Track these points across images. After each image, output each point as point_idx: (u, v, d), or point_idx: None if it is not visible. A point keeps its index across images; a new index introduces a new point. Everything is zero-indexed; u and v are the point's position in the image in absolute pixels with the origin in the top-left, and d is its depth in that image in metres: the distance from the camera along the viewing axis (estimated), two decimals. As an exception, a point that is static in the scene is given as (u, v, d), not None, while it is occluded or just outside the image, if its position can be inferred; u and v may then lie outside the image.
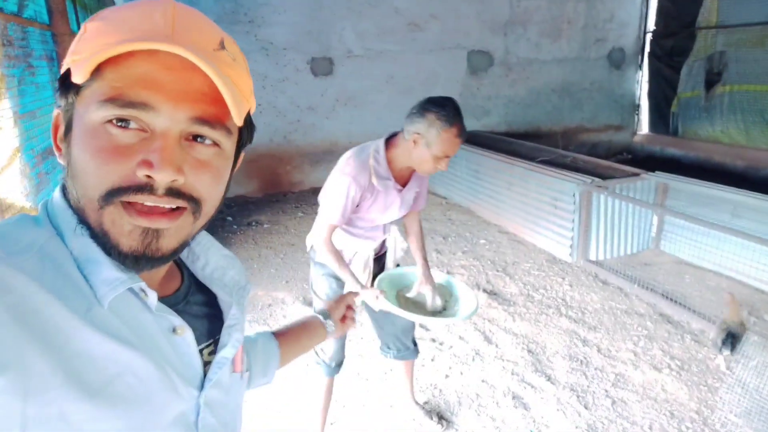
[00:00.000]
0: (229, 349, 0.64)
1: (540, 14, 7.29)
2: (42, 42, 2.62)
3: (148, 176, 0.50)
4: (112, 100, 0.49)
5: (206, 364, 0.63)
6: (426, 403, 2.72)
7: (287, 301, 3.84)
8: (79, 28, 3.35)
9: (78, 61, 0.50)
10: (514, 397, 2.76)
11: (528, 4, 7.18)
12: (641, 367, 2.98)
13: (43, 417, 0.44)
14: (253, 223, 5.50)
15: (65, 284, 0.49)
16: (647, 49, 7.99)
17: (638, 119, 8.31)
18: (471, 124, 7.24)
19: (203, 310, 0.67)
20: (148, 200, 0.51)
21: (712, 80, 7.00)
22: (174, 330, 0.58)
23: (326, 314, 1.14)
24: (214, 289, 0.69)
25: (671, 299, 3.65)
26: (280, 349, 1.01)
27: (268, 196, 6.53)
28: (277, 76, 6.39)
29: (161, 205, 0.52)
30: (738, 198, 3.93)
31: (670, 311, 3.58)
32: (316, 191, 6.59)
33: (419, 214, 2.26)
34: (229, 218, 5.68)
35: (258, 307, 3.75)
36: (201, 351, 0.62)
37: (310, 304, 3.79)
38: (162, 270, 0.61)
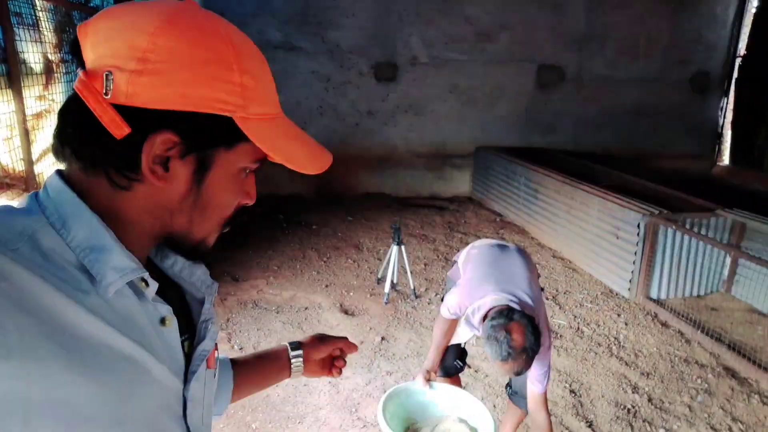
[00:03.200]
0: (208, 341, 0.67)
1: (619, 31, 6.91)
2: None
3: (245, 204, 0.64)
4: (263, 160, 0.61)
5: (185, 357, 0.65)
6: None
7: (324, 306, 3.77)
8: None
9: (246, 121, 0.56)
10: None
11: (607, 19, 6.83)
12: (697, 426, 2.69)
13: (46, 401, 0.45)
14: (303, 224, 5.51)
15: (58, 271, 0.50)
16: (735, 74, 7.41)
17: (719, 149, 7.72)
18: (536, 140, 6.99)
19: (177, 306, 0.68)
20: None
21: (808, 112, 6.39)
22: (162, 321, 0.59)
23: (297, 346, 0.97)
24: (184, 285, 0.71)
25: (739, 352, 3.29)
26: (237, 379, 0.90)
27: (320, 197, 6.54)
28: (340, 79, 6.39)
29: None
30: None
31: (736, 365, 3.23)
32: (369, 196, 6.62)
33: (538, 399, 1.97)
34: (281, 216, 5.72)
35: (294, 309, 3.71)
36: (182, 343, 0.64)
37: (346, 312, 3.71)
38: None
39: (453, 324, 2.15)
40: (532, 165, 5.56)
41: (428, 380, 2.00)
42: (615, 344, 3.46)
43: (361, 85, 6.46)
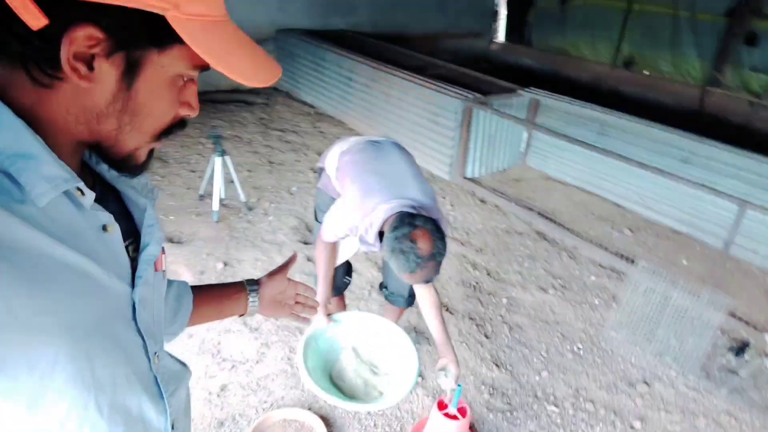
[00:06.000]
0: (154, 246, 0.66)
1: None
2: None
3: (186, 116, 0.61)
4: (202, 68, 0.56)
5: (131, 261, 0.63)
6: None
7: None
8: None
9: (180, 21, 0.50)
10: (416, 332, 2.67)
11: None
12: (529, 289, 3.08)
13: None
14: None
15: None
16: (508, -47, 7.88)
17: (496, 27, 8.37)
18: (335, 22, 6.65)
19: (118, 209, 0.65)
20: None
21: (566, -8, 7.19)
22: (104, 228, 0.58)
23: (255, 285, 0.97)
24: (123, 189, 0.68)
25: (545, 216, 3.81)
26: (195, 304, 0.91)
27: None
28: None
29: None
30: (605, 117, 4.12)
31: (544, 228, 3.73)
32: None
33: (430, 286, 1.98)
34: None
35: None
36: (126, 248, 0.63)
37: (172, 240, 3.23)
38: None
39: (335, 247, 1.97)
40: (341, 50, 5.29)
41: (328, 315, 1.84)
42: (448, 226, 3.69)
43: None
